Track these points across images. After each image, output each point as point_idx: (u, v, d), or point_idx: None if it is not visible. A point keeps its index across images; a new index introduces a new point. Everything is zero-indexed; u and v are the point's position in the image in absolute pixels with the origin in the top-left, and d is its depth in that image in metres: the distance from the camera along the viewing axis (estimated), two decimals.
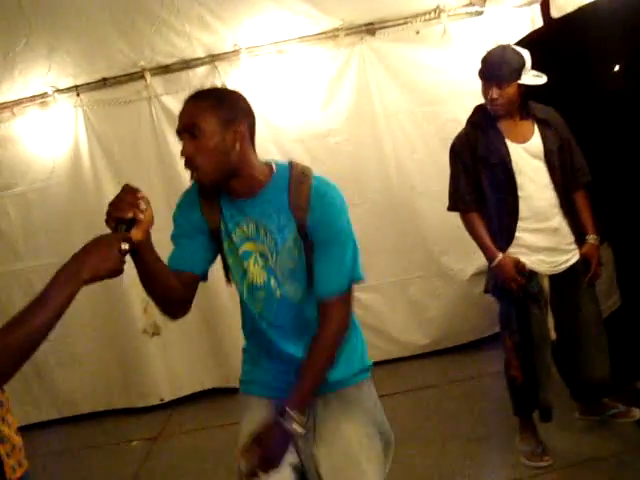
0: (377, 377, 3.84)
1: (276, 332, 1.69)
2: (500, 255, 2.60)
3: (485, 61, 2.63)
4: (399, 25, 3.82)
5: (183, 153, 1.55)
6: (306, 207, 1.61)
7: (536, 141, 2.63)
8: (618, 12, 2.93)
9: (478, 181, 2.65)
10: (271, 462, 1.50)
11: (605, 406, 2.94)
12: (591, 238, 2.71)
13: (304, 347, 1.63)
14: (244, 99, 1.69)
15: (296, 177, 1.65)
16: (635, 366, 3.24)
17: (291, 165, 1.68)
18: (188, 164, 1.56)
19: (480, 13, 3.78)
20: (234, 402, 3.89)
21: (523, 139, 2.62)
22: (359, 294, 3.84)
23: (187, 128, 1.55)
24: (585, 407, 2.99)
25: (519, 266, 2.60)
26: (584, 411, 2.99)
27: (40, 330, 1.11)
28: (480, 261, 3.66)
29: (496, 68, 2.57)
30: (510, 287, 2.61)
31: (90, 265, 1.21)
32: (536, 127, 2.65)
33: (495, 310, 2.87)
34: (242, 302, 1.73)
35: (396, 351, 4.09)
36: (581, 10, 3.09)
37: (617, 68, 3.32)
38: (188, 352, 4.10)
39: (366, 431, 1.73)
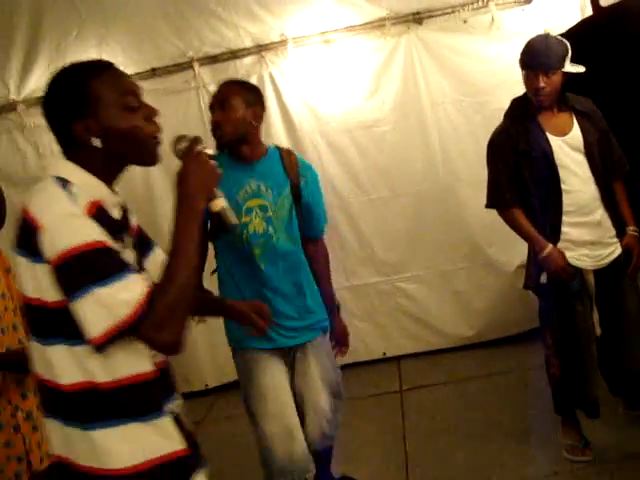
0: (420, 367, 3.99)
1: (271, 270, 2.35)
2: (550, 246, 2.62)
3: (530, 49, 2.64)
4: (446, 14, 3.86)
5: (213, 120, 2.31)
6: (297, 173, 2.39)
7: (576, 133, 2.64)
8: None
9: (520, 177, 2.65)
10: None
11: None
12: (631, 229, 2.72)
13: (290, 284, 2.40)
14: (261, 93, 2.49)
15: (285, 152, 2.47)
16: None
17: (277, 146, 2.52)
18: (215, 128, 2.31)
19: (529, 2, 3.80)
20: None
21: (563, 132, 2.63)
22: (404, 284, 3.95)
23: (220, 102, 2.32)
24: (629, 402, 2.99)
25: (566, 260, 2.62)
26: (628, 406, 3.00)
27: (189, 278, 1.22)
28: (526, 253, 3.72)
29: (543, 56, 2.58)
30: (560, 277, 2.62)
31: (199, 191, 1.28)
32: (575, 119, 2.66)
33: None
34: (236, 252, 2.37)
35: (439, 342, 4.16)
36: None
37: None
38: None
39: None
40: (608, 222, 2.68)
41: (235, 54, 3.98)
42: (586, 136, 2.64)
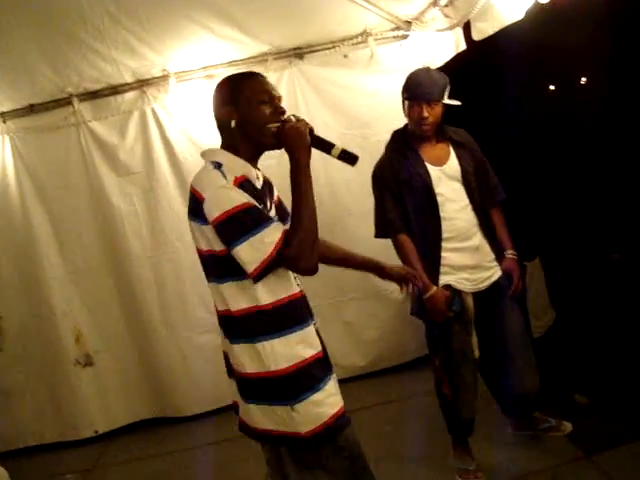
0: None
1: None
2: (434, 288, 2.76)
3: (414, 81, 2.83)
4: (327, 49, 4.05)
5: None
6: None
7: (453, 163, 2.85)
8: (531, 34, 3.23)
9: (402, 205, 2.83)
10: None
11: (537, 420, 3.16)
12: (509, 253, 2.95)
13: None
14: None
15: None
16: (571, 379, 3.50)
17: None
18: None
19: (406, 37, 4.04)
20: (170, 431, 4.08)
21: (441, 162, 2.84)
22: None
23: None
24: (517, 422, 3.20)
25: (448, 300, 2.79)
26: (517, 427, 3.21)
27: (311, 219, 1.78)
28: None
29: (427, 87, 2.78)
30: (437, 319, 2.81)
31: (299, 150, 1.84)
32: (452, 149, 2.88)
33: None
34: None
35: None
36: (500, 33, 3.36)
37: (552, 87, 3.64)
38: (122, 382, 4.21)
39: None
40: (487, 247, 2.88)
41: (116, 89, 4.02)
42: (463, 165, 2.84)
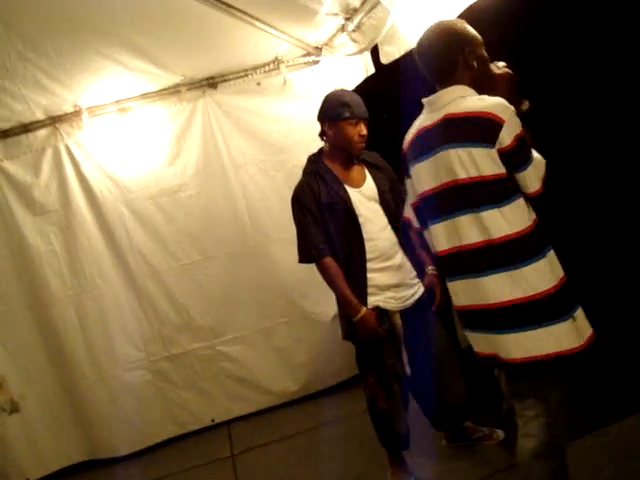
0: (251, 429, 4.24)
1: None
2: (363, 310, 2.85)
3: (346, 100, 2.95)
4: (240, 78, 4.24)
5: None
6: None
7: (370, 184, 3.02)
8: None
9: (325, 228, 2.94)
10: None
11: (470, 430, 3.36)
12: (430, 269, 3.14)
13: None
14: None
15: None
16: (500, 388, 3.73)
17: None
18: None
19: (317, 62, 4.26)
20: (103, 473, 4.15)
21: (358, 183, 3.00)
22: (225, 347, 4.20)
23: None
24: (451, 434, 3.39)
25: (378, 320, 2.92)
26: (451, 438, 3.40)
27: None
28: None
29: (362, 105, 2.97)
30: (369, 339, 2.94)
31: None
32: (367, 171, 3.05)
33: None
34: None
35: (267, 400, 4.44)
36: (407, 56, 3.59)
37: None
38: (51, 426, 4.24)
39: None
40: (408, 264, 3.05)
41: (27, 127, 4.09)
42: (379, 186, 3.02)
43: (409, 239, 3.10)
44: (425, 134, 2.15)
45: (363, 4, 3.41)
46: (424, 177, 2.18)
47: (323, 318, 4.32)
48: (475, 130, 1.94)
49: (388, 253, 2.98)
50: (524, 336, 1.99)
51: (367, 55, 3.96)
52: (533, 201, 2.05)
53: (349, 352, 4.14)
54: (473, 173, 1.97)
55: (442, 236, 2.15)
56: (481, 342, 2.16)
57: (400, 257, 3.02)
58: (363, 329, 2.87)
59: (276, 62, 4.22)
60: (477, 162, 1.95)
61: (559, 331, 1.97)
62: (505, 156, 1.92)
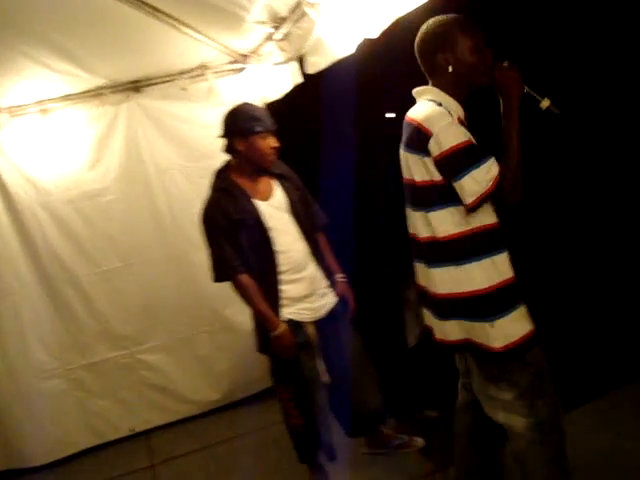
0: (172, 438, 4.23)
1: None
2: (281, 326, 2.89)
3: (255, 113, 3.01)
4: (166, 82, 4.22)
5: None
6: None
7: (279, 196, 3.06)
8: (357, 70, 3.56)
9: (237, 245, 2.93)
10: None
11: (389, 438, 3.44)
12: (340, 277, 3.22)
13: None
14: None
15: None
16: (423, 395, 3.83)
17: None
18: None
19: (243, 70, 4.29)
20: None
21: (267, 196, 3.03)
22: (145, 355, 4.17)
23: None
24: (371, 442, 3.46)
25: (294, 336, 2.97)
26: (370, 446, 3.47)
27: (518, 159, 2.03)
28: None
29: (269, 118, 3.02)
30: (285, 356, 2.98)
31: (512, 95, 2.09)
32: (275, 182, 3.09)
33: None
34: None
35: (188, 410, 4.44)
36: (332, 67, 3.66)
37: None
38: None
39: None
40: (320, 274, 3.10)
41: None
42: (289, 196, 3.06)
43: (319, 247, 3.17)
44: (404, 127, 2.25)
45: (291, 14, 3.44)
46: (404, 165, 2.27)
47: (245, 327, 4.25)
48: (412, 137, 2.09)
49: (301, 264, 3.02)
50: (457, 323, 2.16)
51: (295, 64, 4.00)
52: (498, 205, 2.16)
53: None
54: (408, 175, 2.16)
55: (408, 219, 2.30)
56: (436, 328, 2.27)
57: (313, 267, 3.07)
58: (279, 346, 2.91)
59: (202, 68, 4.22)
60: (410, 167, 2.12)
61: (478, 328, 2.11)
62: (436, 165, 2.03)
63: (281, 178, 3.12)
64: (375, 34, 2.87)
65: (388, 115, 4.53)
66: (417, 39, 2.23)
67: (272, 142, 2.99)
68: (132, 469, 4.04)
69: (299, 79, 4.04)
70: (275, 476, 3.50)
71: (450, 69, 2.12)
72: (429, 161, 2.04)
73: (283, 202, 3.05)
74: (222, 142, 3.09)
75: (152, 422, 4.40)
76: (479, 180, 1.99)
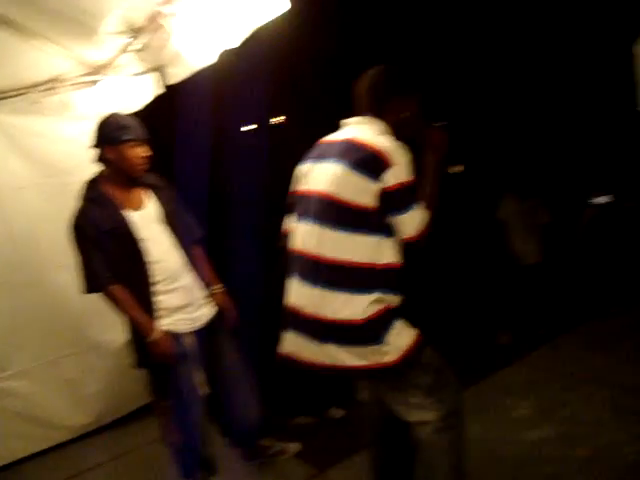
0: (45, 467, 4.04)
1: None
2: (157, 331, 2.86)
3: (125, 123, 2.99)
4: (17, 96, 4.03)
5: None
6: None
7: (152, 206, 3.05)
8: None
9: (108, 255, 2.90)
10: None
11: (265, 447, 3.46)
12: (217, 288, 3.22)
13: None
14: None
15: None
16: (295, 403, 3.94)
17: None
18: None
19: (99, 82, 4.17)
20: None
21: (139, 206, 3.01)
22: (8, 383, 3.96)
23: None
24: (248, 452, 3.46)
25: (171, 342, 2.94)
26: (247, 457, 3.46)
27: (435, 211, 2.20)
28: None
29: (140, 128, 3.00)
30: (165, 361, 2.93)
31: (441, 155, 2.30)
32: (147, 192, 3.08)
33: None
34: None
35: (59, 436, 4.25)
36: (189, 79, 3.66)
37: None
38: None
39: None
40: (197, 285, 3.09)
41: None
42: (163, 207, 3.05)
43: (197, 260, 3.17)
44: (326, 146, 2.34)
45: (148, 24, 3.41)
46: (308, 178, 2.33)
47: (112, 346, 4.23)
48: (367, 161, 2.13)
49: (176, 274, 3.01)
50: (352, 349, 2.19)
51: (155, 75, 3.97)
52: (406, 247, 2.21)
53: (143, 377, 4.13)
54: (344, 195, 2.15)
55: (302, 235, 2.28)
56: (311, 351, 2.28)
57: (189, 277, 3.07)
58: (156, 351, 2.87)
59: (56, 81, 4.06)
60: (351, 186, 2.14)
61: (372, 351, 2.17)
62: (385, 195, 2.11)
63: (154, 188, 3.12)
64: (235, 44, 2.91)
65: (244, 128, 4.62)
66: (373, 73, 2.38)
67: (142, 151, 2.99)
68: None
69: (160, 90, 4.02)
70: None
71: (402, 115, 2.32)
72: (376, 188, 2.11)
73: (157, 212, 3.04)
74: (93, 153, 3.08)
75: (20, 452, 4.16)
76: (418, 216, 2.16)
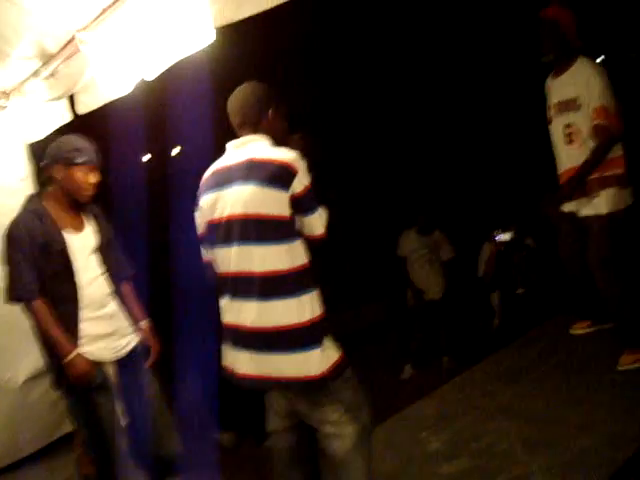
0: None
1: None
2: (75, 351, 2.80)
3: (80, 145, 2.98)
4: None
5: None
6: None
7: (89, 232, 3.04)
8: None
9: (38, 270, 2.83)
10: None
11: None
12: (144, 323, 3.23)
13: None
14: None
15: None
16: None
17: None
18: None
19: (4, 107, 4.04)
20: None
21: (77, 230, 3.00)
22: None
23: None
24: None
25: (91, 363, 2.87)
26: None
27: None
28: (32, 364, 3.86)
29: (95, 154, 3.01)
30: (82, 383, 2.84)
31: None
32: (89, 220, 3.08)
33: (58, 411, 3.20)
34: None
35: None
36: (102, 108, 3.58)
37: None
38: None
39: None
40: (122, 314, 3.08)
41: None
42: (99, 236, 3.05)
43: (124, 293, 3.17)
44: (226, 171, 2.39)
45: (61, 51, 3.33)
46: (219, 206, 2.37)
47: (12, 385, 4.02)
48: (274, 175, 2.24)
49: (102, 302, 3.00)
50: (292, 357, 2.29)
51: (64, 102, 3.87)
52: (311, 244, 2.34)
53: (47, 415, 3.96)
54: (262, 210, 2.25)
55: (229, 259, 2.35)
56: (254, 363, 2.36)
57: (114, 306, 3.06)
58: (74, 373, 2.81)
59: None
60: (267, 201, 2.24)
61: (313, 357, 2.28)
62: (296, 201, 2.24)
63: (95, 218, 3.13)
64: (152, 76, 2.90)
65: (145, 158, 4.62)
66: (242, 91, 2.50)
67: (92, 177, 2.99)
68: None
69: (68, 118, 3.92)
70: None
71: (277, 125, 2.48)
72: (286, 197, 2.23)
73: (92, 240, 3.04)
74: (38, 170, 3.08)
75: None
76: (322, 214, 2.34)
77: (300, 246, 2.30)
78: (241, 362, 2.38)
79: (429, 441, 3.45)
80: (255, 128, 2.43)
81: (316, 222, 2.32)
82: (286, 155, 2.30)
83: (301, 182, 2.26)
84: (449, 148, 8.21)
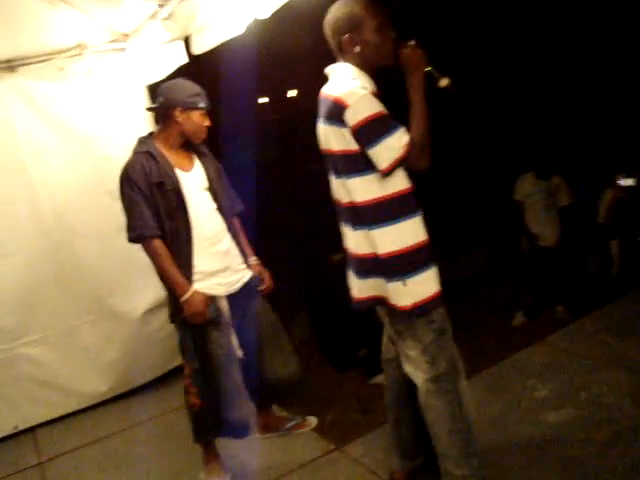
0: (59, 434, 4.11)
1: None
2: (191, 290, 2.90)
3: (196, 90, 3.07)
4: (42, 62, 4.03)
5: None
6: None
7: (199, 170, 3.13)
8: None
9: (155, 208, 2.93)
10: None
11: (282, 420, 3.52)
12: (253, 260, 3.33)
13: None
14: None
15: None
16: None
17: None
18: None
19: (125, 49, 4.18)
20: None
21: (188, 168, 3.09)
22: (26, 349, 4.01)
23: None
24: (264, 426, 3.52)
25: (207, 302, 2.98)
26: (264, 430, 3.53)
27: (426, 128, 2.26)
28: (150, 298, 4.07)
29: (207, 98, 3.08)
30: (197, 320, 2.97)
31: (420, 73, 2.30)
32: (196, 158, 3.16)
33: (172, 344, 3.27)
34: None
35: (76, 403, 4.31)
36: (217, 49, 3.64)
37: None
38: None
39: None
40: (236, 250, 3.18)
41: None
42: (208, 173, 3.13)
43: (235, 229, 3.25)
44: (320, 102, 2.42)
45: None
46: (320, 137, 2.45)
47: (132, 315, 4.27)
48: (329, 111, 2.27)
49: (215, 238, 3.07)
50: (375, 281, 2.38)
51: (180, 44, 3.94)
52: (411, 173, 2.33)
53: (162, 347, 4.18)
54: (327, 146, 2.36)
55: (333, 187, 2.47)
56: (366, 287, 2.45)
57: (227, 242, 3.14)
58: (190, 311, 2.91)
59: (81, 47, 4.07)
60: (329, 138, 2.32)
61: (392, 286, 2.33)
62: (354, 135, 2.22)
63: (202, 155, 3.20)
64: (266, 15, 2.88)
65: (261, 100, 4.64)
66: (325, 19, 2.39)
67: (207, 121, 3.09)
68: (19, 468, 3.84)
69: (185, 60, 3.99)
70: (172, 465, 3.46)
71: (357, 49, 2.32)
72: (346, 132, 2.23)
73: (203, 177, 3.12)
74: (151, 110, 3.29)
75: (37, 418, 4.21)
76: (392, 147, 2.21)
77: (374, 179, 2.29)
78: (352, 285, 2.51)
79: (536, 388, 3.40)
80: (341, 54, 2.40)
81: (377, 157, 2.24)
82: (340, 90, 2.26)
83: (355, 116, 2.21)
84: (572, 89, 7.78)
